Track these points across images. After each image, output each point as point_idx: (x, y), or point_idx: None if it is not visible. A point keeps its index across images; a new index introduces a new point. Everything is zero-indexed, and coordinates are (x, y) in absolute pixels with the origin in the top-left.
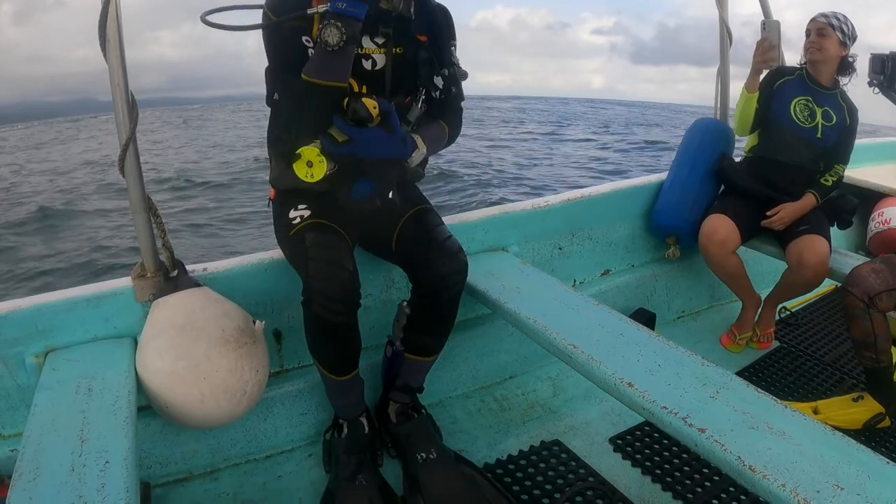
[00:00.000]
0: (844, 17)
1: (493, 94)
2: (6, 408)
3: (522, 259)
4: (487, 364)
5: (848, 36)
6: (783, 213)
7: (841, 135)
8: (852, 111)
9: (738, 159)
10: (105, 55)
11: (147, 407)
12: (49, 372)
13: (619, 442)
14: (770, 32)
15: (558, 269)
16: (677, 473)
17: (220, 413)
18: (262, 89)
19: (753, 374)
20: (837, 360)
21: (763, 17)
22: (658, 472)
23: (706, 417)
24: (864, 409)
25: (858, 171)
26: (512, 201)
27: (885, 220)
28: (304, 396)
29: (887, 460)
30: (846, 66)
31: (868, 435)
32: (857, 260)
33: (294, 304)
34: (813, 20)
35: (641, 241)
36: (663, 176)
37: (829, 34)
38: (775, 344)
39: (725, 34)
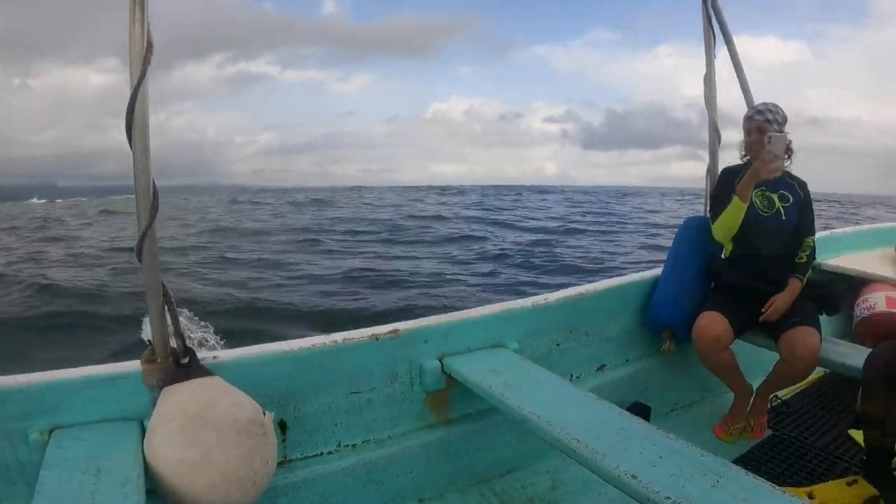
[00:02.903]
0: (775, 106)
1: (451, 182)
2: (4, 481)
3: (522, 355)
4: (486, 458)
5: (781, 123)
6: (777, 305)
7: (801, 210)
8: (802, 185)
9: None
10: (130, 142)
11: (152, 490)
12: (55, 450)
13: None
14: (775, 146)
15: (555, 365)
16: None
17: (229, 503)
18: (221, 179)
19: (748, 462)
20: (829, 444)
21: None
22: None
23: None
24: (859, 492)
25: (842, 260)
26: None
27: (871, 306)
28: (307, 487)
29: None
30: (787, 149)
31: None
32: (845, 347)
33: (299, 395)
34: (749, 118)
35: (636, 336)
36: (658, 271)
37: (766, 129)
38: (768, 432)
39: (714, 133)
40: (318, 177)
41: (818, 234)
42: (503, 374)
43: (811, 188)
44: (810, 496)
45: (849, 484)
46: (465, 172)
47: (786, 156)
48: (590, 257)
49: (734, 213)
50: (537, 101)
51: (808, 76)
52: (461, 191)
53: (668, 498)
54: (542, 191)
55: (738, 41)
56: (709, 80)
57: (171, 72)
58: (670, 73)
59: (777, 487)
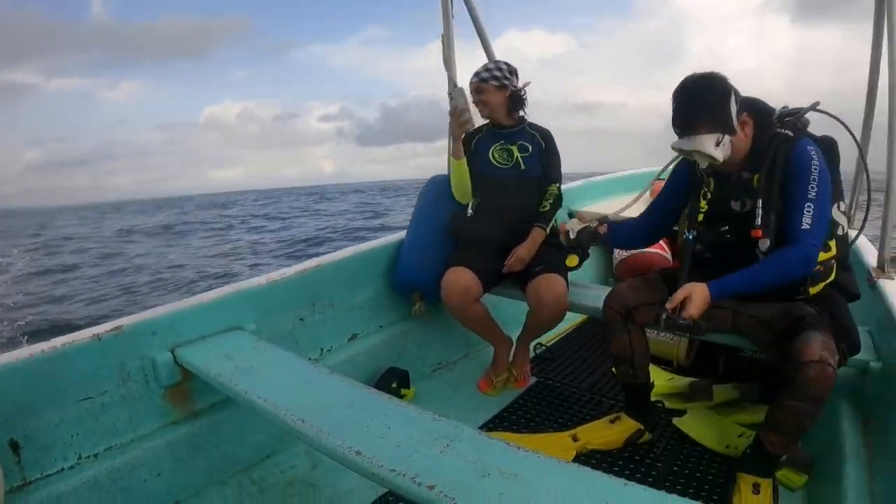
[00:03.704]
0: (494, 63)
1: (227, 189)
2: None
3: (260, 336)
4: (241, 447)
5: (503, 77)
6: (519, 254)
7: (542, 159)
8: (545, 135)
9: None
10: None
11: None
12: None
13: None
14: (457, 99)
15: (302, 341)
16: None
17: None
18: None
19: (514, 412)
20: (594, 385)
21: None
22: None
23: (436, 473)
24: (622, 428)
25: (597, 206)
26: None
27: None
28: None
29: (625, 481)
30: (517, 101)
31: (631, 451)
32: (597, 290)
33: (27, 410)
34: (470, 83)
35: (387, 302)
36: (402, 235)
37: (483, 89)
38: (533, 380)
39: (455, 91)
40: (93, 191)
41: (574, 183)
42: (236, 359)
43: (582, 169)
44: (574, 438)
45: (612, 421)
46: (244, 176)
47: (522, 106)
48: None
49: (456, 171)
50: (313, 100)
51: (577, 66)
52: (226, 203)
53: (393, 470)
54: (314, 192)
55: (505, 36)
56: (446, 39)
57: None
58: (441, 66)
59: (510, 444)
